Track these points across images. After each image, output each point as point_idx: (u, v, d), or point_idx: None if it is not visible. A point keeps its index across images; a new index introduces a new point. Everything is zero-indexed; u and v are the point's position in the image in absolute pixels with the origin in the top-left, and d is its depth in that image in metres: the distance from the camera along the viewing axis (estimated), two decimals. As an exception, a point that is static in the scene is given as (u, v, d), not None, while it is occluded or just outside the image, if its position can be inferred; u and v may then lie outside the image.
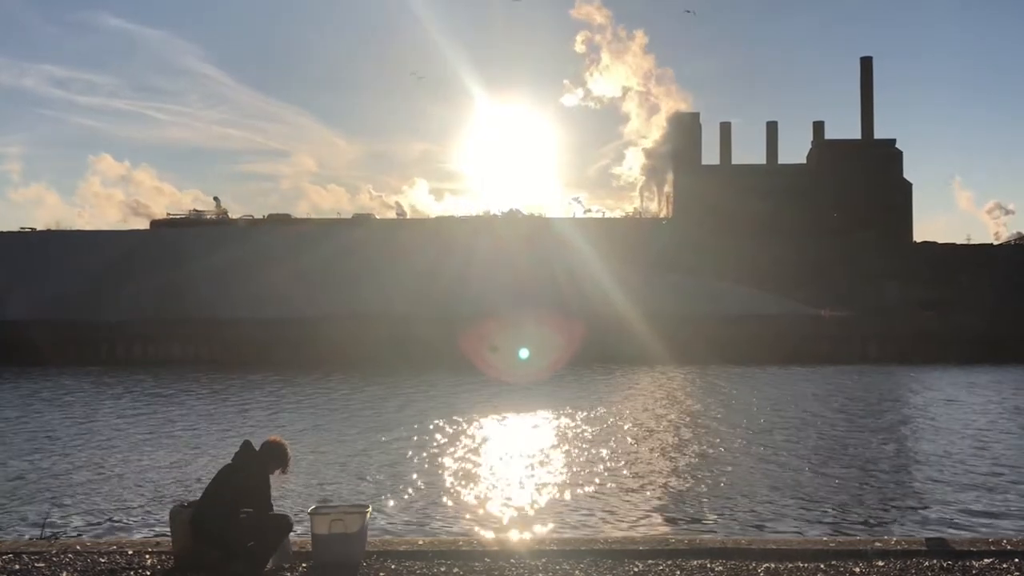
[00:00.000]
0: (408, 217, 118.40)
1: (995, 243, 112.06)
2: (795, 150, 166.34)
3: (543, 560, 8.36)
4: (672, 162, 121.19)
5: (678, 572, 7.99)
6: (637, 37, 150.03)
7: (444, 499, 15.30)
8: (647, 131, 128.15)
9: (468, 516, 14.10)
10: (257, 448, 8.38)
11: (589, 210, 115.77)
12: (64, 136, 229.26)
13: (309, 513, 8.50)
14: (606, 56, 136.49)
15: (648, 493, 15.84)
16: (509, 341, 51.70)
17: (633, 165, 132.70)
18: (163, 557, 8.51)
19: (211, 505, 8.13)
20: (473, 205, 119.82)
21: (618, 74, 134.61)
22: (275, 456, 8.33)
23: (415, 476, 17.35)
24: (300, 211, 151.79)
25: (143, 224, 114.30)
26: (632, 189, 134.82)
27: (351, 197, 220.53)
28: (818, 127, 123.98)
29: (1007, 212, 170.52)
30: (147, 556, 8.60)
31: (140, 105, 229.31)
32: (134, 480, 17.01)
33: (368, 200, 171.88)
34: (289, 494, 15.25)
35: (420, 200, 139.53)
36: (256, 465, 8.21)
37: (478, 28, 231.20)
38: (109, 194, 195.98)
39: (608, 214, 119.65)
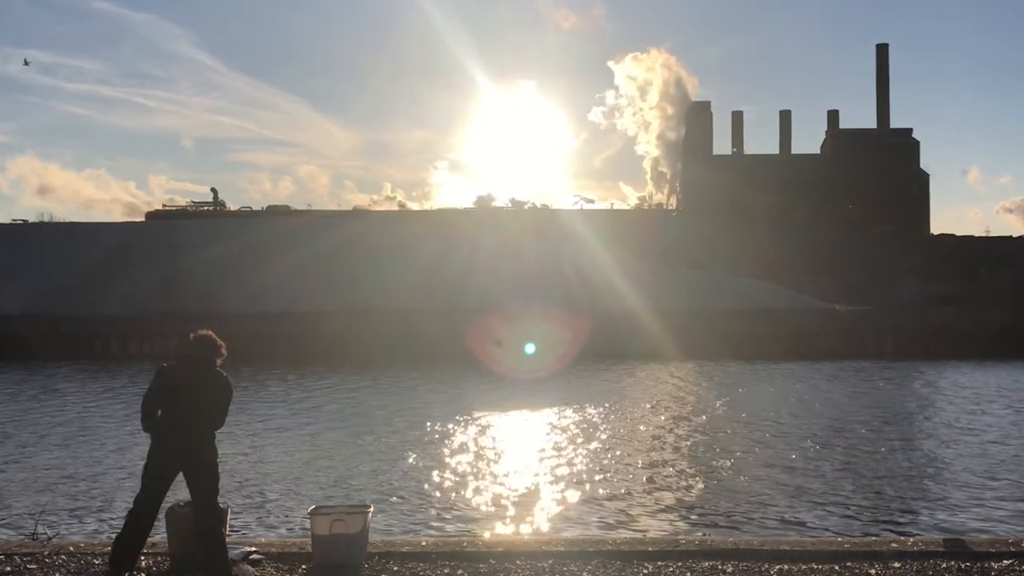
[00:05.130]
0: (409, 208, 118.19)
1: (995, 234, 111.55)
2: (809, 140, 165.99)
3: (550, 561, 8.18)
4: (683, 152, 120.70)
5: (689, 574, 7.82)
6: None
7: (448, 498, 15.09)
8: (657, 121, 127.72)
9: (472, 516, 13.89)
10: (194, 353, 7.89)
11: (591, 200, 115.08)
12: (52, 124, 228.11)
13: (309, 513, 8.36)
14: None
15: (658, 492, 15.60)
16: (514, 336, 51.36)
17: (642, 155, 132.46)
18: (159, 558, 8.36)
19: (207, 424, 7.82)
20: (476, 196, 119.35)
21: (625, 64, 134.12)
22: (215, 348, 7.97)
23: (418, 475, 17.14)
24: (298, 202, 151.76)
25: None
26: (641, 180, 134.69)
27: (350, 188, 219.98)
28: (833, 116, 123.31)
29: (989, 180, 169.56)
30: (142, 557, 8.43)
31: (129, 92, 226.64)
32: (129, 479, 16.78)
33: (367, 192, 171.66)
34: (289, 494, 15.09)
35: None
36: (221, 374, 7.88)
37: (482, 13, 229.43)
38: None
39: (616, 205, 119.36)
